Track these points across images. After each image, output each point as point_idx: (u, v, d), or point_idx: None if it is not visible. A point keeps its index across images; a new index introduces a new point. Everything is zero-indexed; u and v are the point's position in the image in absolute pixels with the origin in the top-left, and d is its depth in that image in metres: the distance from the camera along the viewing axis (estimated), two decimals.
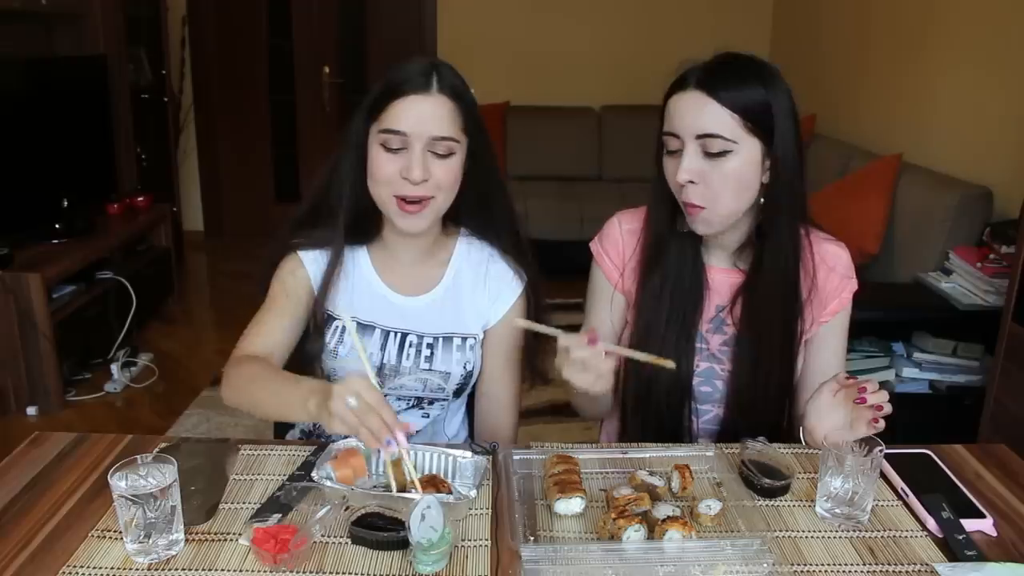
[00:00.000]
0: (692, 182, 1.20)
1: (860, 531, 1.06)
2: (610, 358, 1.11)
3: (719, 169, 1.19)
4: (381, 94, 1.25)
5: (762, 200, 1.24)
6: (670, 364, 1.14)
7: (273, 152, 5.35)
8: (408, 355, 1.36)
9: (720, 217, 1.23)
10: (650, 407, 1.33)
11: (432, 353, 1.36)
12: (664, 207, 1.30)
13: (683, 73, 1.22)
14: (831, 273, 1.33)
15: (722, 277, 1.34)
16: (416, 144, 1.23)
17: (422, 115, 1.22)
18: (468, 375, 1.38)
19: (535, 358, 1.42)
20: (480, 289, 1.39)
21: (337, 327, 1.35)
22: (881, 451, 1.07)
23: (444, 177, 1.25)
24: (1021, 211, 2.25)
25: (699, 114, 1.18)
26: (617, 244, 1.39)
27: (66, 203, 3.34)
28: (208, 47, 5.11)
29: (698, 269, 1.33)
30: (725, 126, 1.17)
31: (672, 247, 1.31)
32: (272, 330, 1.31)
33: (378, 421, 0.99)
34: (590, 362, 1.09)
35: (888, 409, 1.12)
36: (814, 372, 1.35)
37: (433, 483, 1.10)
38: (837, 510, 1.08)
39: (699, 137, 1.19)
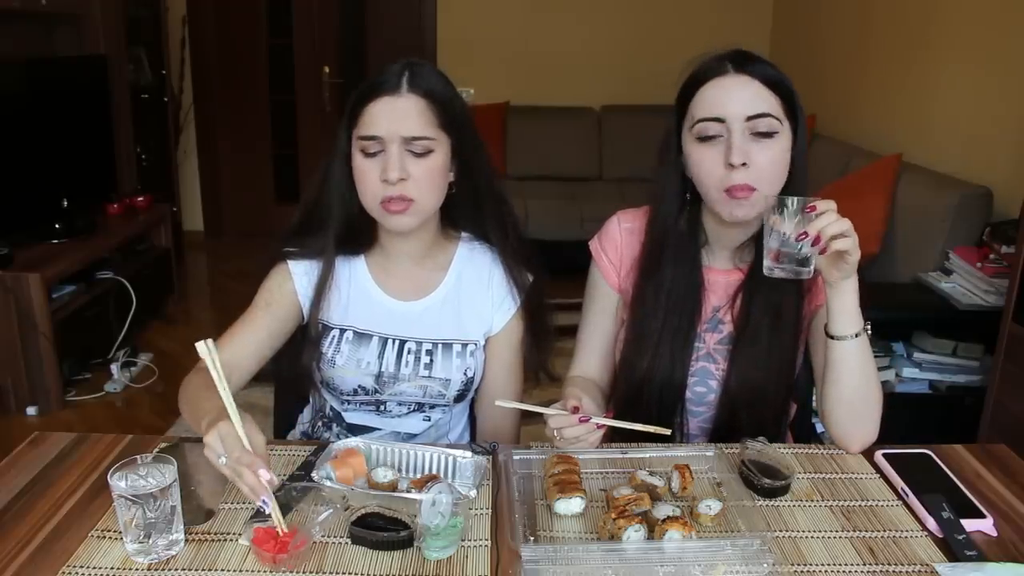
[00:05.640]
0: (744, 164, 1.19)
1: (862, 531, 1.06)
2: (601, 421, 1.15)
3: (766, 151, 1.19)
4: (356, 100, 1.25)
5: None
6: (665, 432, 1.17)
7: (273, 152, 5.35)
8: (407, 362, 1.35)
9: (764, 198, 1.20)
10: (641, 408, 1.33)
11: (432, 360, 1.35)
12: (672, 205, 1.30)
13: (709, 63, 1.22)
14: None
15: (720, 278, 1.33)
16: (391, 146, 1.22)
17: (393, 116, 1.22)
18: (469, 381, 1.38)
19: (539, 358, 1.42)
20: (484, 294, 1.39)
21: (333, 337, 1.35)
22: (811, 206, 1.10)
23: (423, 175, 1.24)
24: (1021, 211, 2.25)
25: (747, 95, 1.19)
26: (616, 242, 1.38)
27: (66, 203, 3.35)
28: (208, 47, 5.11)
29: (695, 275, 1.32)
30: (773, 106, 1.19)
31: (672, 250, 1.31)
32: (242, 344, 1.29)
33: (251, 478, 0.95)
34: (582, 435, 1.14)
35: (832, 232, 1.09)
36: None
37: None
38: (773, 262, 1.14)
39: (749, 119, 1.19)
